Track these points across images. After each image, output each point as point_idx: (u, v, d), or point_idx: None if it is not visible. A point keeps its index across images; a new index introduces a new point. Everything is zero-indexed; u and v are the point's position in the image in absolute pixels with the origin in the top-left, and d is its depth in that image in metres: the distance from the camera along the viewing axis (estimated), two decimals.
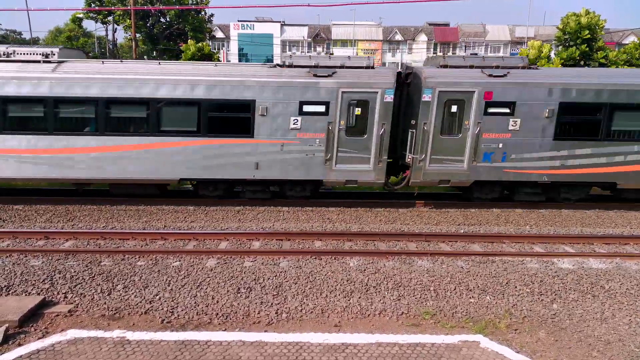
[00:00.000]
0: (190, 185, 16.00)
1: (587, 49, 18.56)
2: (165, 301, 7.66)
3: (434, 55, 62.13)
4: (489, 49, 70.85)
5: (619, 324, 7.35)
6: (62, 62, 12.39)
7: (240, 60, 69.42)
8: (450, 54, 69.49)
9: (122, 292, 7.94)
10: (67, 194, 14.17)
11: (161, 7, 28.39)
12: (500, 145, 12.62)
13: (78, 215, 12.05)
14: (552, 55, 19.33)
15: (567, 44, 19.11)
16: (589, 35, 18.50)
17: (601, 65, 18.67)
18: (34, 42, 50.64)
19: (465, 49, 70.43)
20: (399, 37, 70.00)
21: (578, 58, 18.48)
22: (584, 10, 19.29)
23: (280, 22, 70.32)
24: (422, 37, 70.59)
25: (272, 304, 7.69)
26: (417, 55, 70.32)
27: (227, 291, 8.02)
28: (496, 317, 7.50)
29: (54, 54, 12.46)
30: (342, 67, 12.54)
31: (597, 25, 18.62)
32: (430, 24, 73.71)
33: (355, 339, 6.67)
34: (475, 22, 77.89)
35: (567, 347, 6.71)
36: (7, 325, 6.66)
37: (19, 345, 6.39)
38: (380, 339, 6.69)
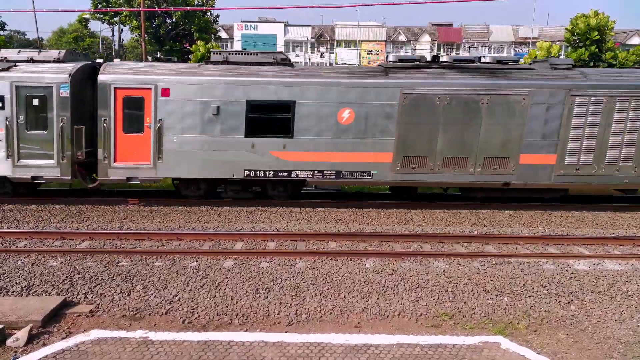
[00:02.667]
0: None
1: (597, 50, 18.57)
2: (185, 302, 7.70)
3: None
4: (492, 49, 70.88)
5: (637, 326, 7.37)
6: None
7: None
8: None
9: (141, 292, 7.99)
10: (79, 194, 14.26)
11: (169, 9, 28.46)
12: None
13: (92, 216, 12.11)
14: (562, 56, 19.34)
15: (576, 45, 19.13)
16: (598, 37, 18.47)
17: (610, 65, 18.67)
18: (39, 42, 50.73)
19: (469, 50, 70.45)
20: (402, 37, 70.03)
21: (587, 59, 18.49)
22: (592, 11, 19.27)
23: (283, 22, 70.40)
24: (426, 38, 70.63)
25: (291, 304, 7.72)
26: None
27: (246, 292, 8.06)
28: (515, 318, 7.53)
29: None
30: None
31: (606, 26, 18.60)
32: (433, 25, 73.74)
33: (376, 339, 6.70)
34: (478, 22, 78.12)
35: (587, 349, 6.74)
36: (31, 325, 6.71)
37: (44, 345, 6.44)
38: (401, 339, 6.71)
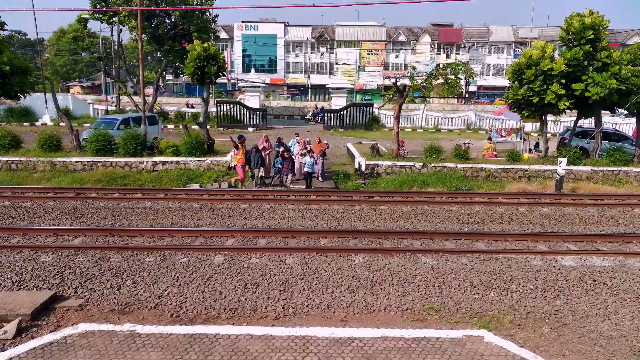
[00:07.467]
0: (199, 184, 16.19)
1: (591, 49, 18.59)
2: (173, 296, 7.79)
3: None
4: (492, 49, 70.86)
5: (621, 320, 7.43)
6: None
7: (244, 61, 69.73)
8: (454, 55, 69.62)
9: (131, 287, 8.07)
10: (74, 192, 14.34)
11: (166, 8, 28.53)
12: None
13: (86, 213, 12.19)
14: (556, 55, 19.35)
15: (570, 44, 19.14)
16: (592, 36, 18.45)
17: (604, 65, 18.67)
18: (39, 42, 50.88)
19: (468, 50, 70.45)
20: (402, 37, 70.08)
21: (582, 58, 18.51)
22: (587, 10, 19.29)
23: (284, 22, 70.53)
24: (426, 38, 70.67)
25: (278, 299, 7.80)
26: (420, 56, 70.44)
27: (235, 287, 8.14)
28: (500, 313, 7.60)
29: None
30: None
31: (600, 25, 18.60)
32: (433, 25, 73.78)
33: (361, 333, 6.77)
34: (479, 22, 78.07)
35: (569, 342, 6.80)
36: (20, 318, 6.81)
37: (32, 337, 6.54)
38: (386, 333, 6.78)
